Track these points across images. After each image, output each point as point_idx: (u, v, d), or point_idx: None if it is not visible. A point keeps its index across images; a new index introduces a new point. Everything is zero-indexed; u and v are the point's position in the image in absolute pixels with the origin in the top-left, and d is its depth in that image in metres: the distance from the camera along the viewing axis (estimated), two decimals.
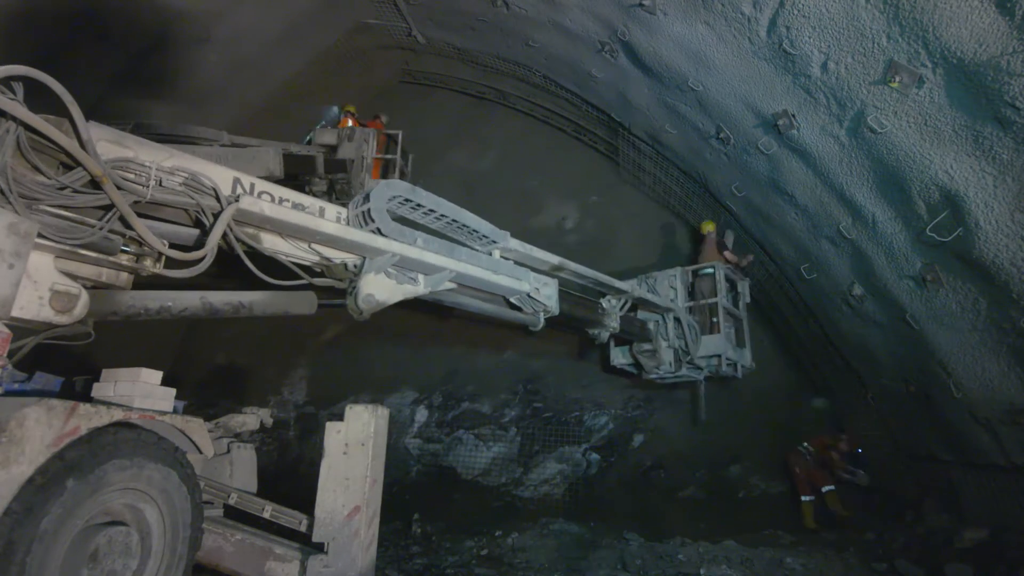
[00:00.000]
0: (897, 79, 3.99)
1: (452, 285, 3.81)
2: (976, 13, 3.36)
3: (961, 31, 3.48)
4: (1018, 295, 4.15)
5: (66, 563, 2.44)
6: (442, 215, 3.53)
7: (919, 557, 5.41)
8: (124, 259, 2.73)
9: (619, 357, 6.91)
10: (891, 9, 3.80)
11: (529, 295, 4.16)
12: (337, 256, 3.24)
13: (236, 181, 2.88)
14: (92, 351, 3.34)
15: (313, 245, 3.13)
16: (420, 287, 3.51)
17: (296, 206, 3.07)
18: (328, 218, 3.17)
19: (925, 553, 5.46)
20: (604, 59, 7.21)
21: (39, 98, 2.30)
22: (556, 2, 6.92)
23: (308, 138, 7.19)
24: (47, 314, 2.45)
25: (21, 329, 2.52)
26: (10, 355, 2.52)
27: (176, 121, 4.50)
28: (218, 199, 2.71)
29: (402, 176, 8.36)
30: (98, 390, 3.25)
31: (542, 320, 4.40)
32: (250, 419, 4.66)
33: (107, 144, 2.54)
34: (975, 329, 4.73)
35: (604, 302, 5.57)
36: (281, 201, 3.02)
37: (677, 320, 6.22)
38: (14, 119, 2.18)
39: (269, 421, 4.83)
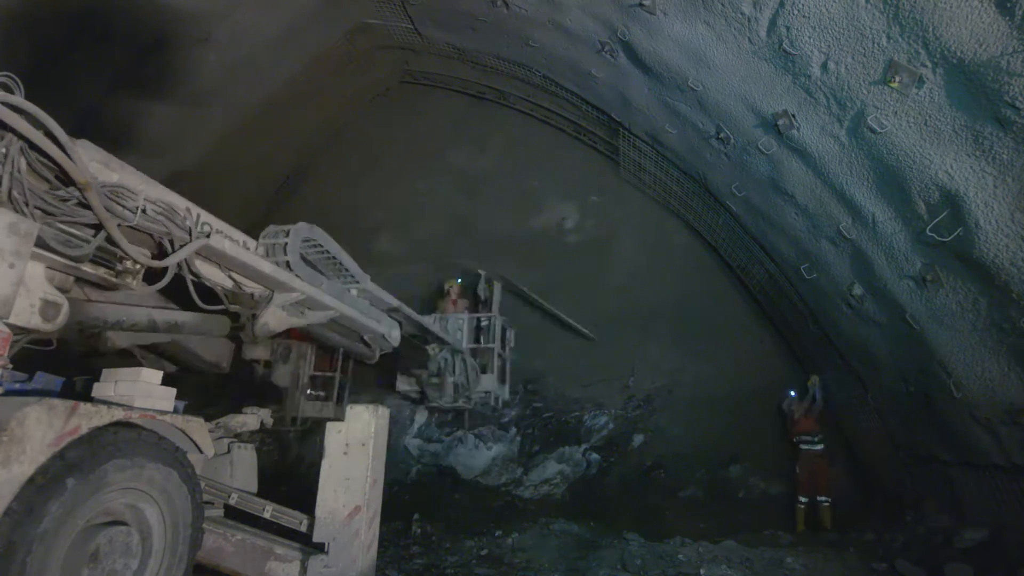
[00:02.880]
0: (897, 79, 3.99)
1: (325, 320, 4.15)
2: (976, 13, 3.36)
3: (961, 31, 3.48)
4: (1018, 295, 4.15)
5: (67, 563, 2.44)
6: (329, 253, 3.96)
7: (919, 557, 5.42)
8: (105, 272, 2.81)
9: (404, 384, 7.81)
10: (891, 9, 3.80)
11: (384, 336, 4.82)
12: (250, 287, 3.55)
13: (187, 209, 3.06)
14: (92, 351, 3.36)
15: (232, 274, 3.41)
16: (304, 320, 3.86)
17: (236, 241, 3.35)
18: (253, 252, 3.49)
19: (925, 553, 5.47)
20: (604, 59, 7.21)
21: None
22: (556, 2, 6.92)
23: None
24: (36, 321, 2.51)
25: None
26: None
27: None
28: (189, 233, 2.95)
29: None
30: (98, 390, 3.25)
31: (378, 355, 5.04)
32: (250, 419, 4.66)
33: (97, 165, 2.64)
34: (975, 329, 4.73)
35: (429, 349, 6.73)
36: (219, 232, 3.27)
37: (464, 360, 7.33)
38: (15, 133, 2.22)
39: (269, 421, 4.83)
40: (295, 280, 3.57)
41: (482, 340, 8.22)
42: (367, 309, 4.50)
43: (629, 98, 7.65)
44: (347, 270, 4.18)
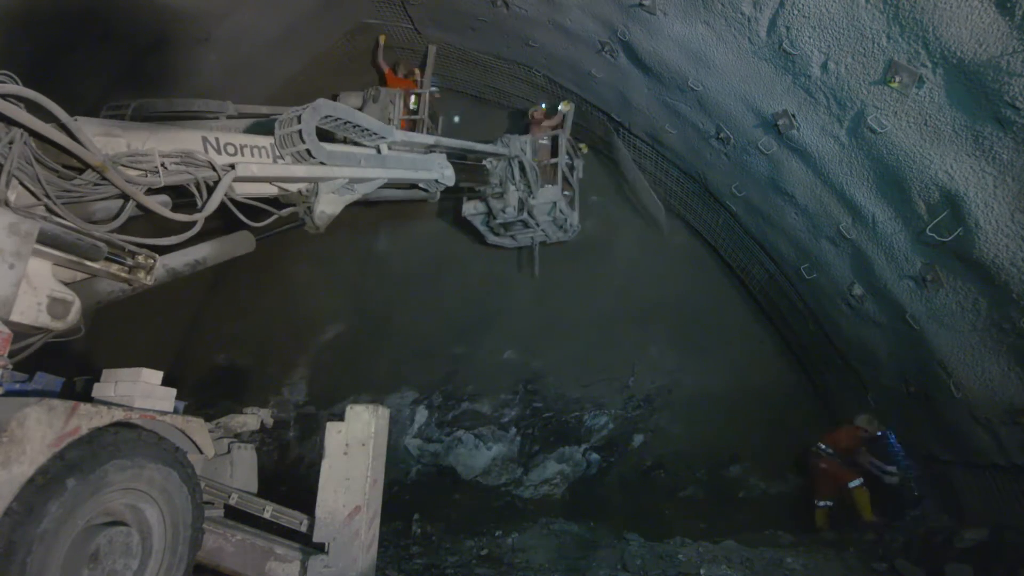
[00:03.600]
0: (897, 79, 3.99)
1: (377, 187, 4.34)
2: (976, 13, 3.36)
3: (961, 31, 3.48)
4: (1018, 295, 4.15)
5: (67, 563, 2.44)
6: (347, 121, 3.93)
7: (919, 557, 5.42)
8: (116, 269, 2.80)
9: (469, 208, 7.78)
10: (891, 9, 3.80)
11: (437, 180, 4.95)
12: (295, 186, 3.66)
13: (204, 140, 3.08)
14: (92, 351, 3.36)
15: (275, 183, 3.51)
16: (356, 194, 4.06)
17: (257, 150, 3.39)
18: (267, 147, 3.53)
19: (925, 553, 5.46)
20: (604, 59, 7.22)
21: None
22: (556, 2, 6.92)
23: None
24: (44, 320, 2.51)
25: (19, 334, 2.55)
26: (10, 355, 2.53)
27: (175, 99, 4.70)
28: (214, 169, 2.97)
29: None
30: (99, 390, 3.24)
31: (438, 194, 5.24)
32: (251, 419, 4.67)
33: (101, 138, 2.64)
34: (975, 329, 4.73)
35: (487, 163, 6.78)
36: (242, 149, 3.30)
37: (522, 167, 7.11)
38: (20, 125, 2.21)
39: (270, 421, 4.84)
40: (334, 170, 3.66)
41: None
42: (411, 162, 4.59)
43: (629, 98, 7.65)
44: (368, 129, 4.17)
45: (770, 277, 7.88)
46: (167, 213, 2.83)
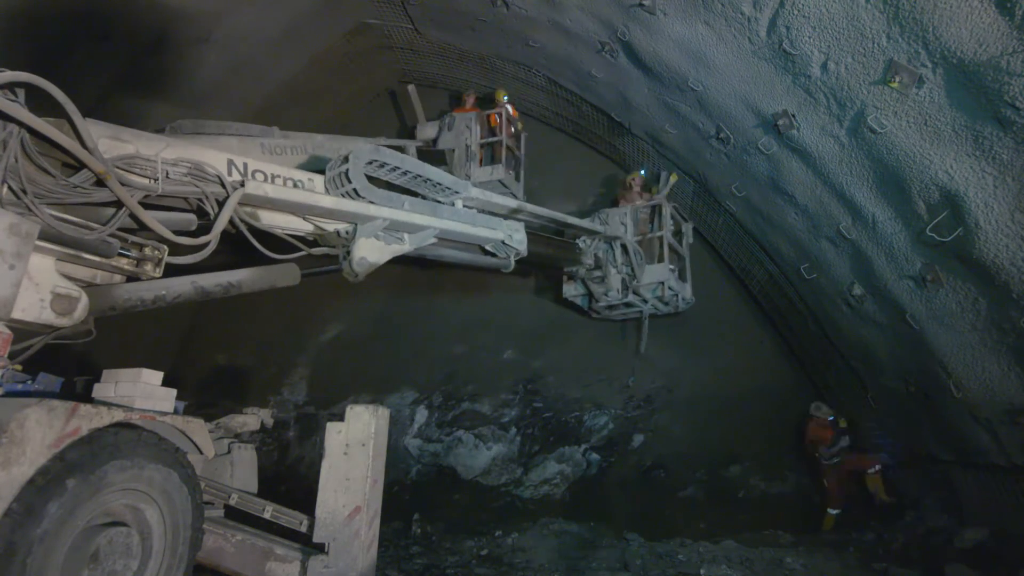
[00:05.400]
0: (897, 79, 3.99)
1: (434, 240, 3.99)
2: (976, 13, 3.36)
3: (961, 31, 3.48)
4: (1018, 295, 4.15)
5: (67, 564, 2.44)
6: (407, 171, 3.67)
7: (919, 557, 5.42)
8: (124, 263, 2.75)
9: (569, 289, 7.36)
10: (891, 9, 3.79)
11: (503, 242, 4.42)
12: (331, 225, 3.43)
13: (230, 163, 2.95)
14: (92, 351, 3.35)
15: (308, 217, 3.30)
16: (406, 245, 3.70)
17: (290, 182, 3.19)
18: (320, 190, 3.33)
19: (925, 553, 5.46)
20: (604, 59, 7.21)
21: (33, 101, 2.30)
22: (556, 2, 6.91)
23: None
24: (48, 316, 2.46)
25: (24, 331, 2.53)
26: (11, 356, 2.52)
27: (185, 117, 4.54)
28: (223, 185, 2.78)
29: (516, 162, 8.20)
30: (99, 391, 3.25)
31: (513, 262, 4.68)
32: (251, 419, 4.67)
33: (107, 141, 2.55)
34: (975, 329, 4.73)
35: (580, 243, 6.19)
36: (274, 179, 3.12)
37: (624, 249, 6.74)
38: (18, 122, 2.18)
39: (270, 421, 4.84)
40: (368, 207, 3.34)
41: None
42: (474, 218, 4.17)
43: (629, 98, 7.64)
44: (439, 183, 3.84)
45: (770, 277, 7.88)
46: (165, 232, 2.57)
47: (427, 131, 7.57)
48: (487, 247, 4.48)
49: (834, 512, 7.03)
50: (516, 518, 7.54)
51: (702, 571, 5.15)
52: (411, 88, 8.39)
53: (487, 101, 8.71)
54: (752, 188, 6.77)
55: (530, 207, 4.74)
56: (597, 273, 6.65)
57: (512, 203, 4.54)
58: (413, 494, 8.43)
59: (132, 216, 2.52)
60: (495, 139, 8.02)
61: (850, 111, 4.62)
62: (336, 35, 9.80)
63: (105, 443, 2.61)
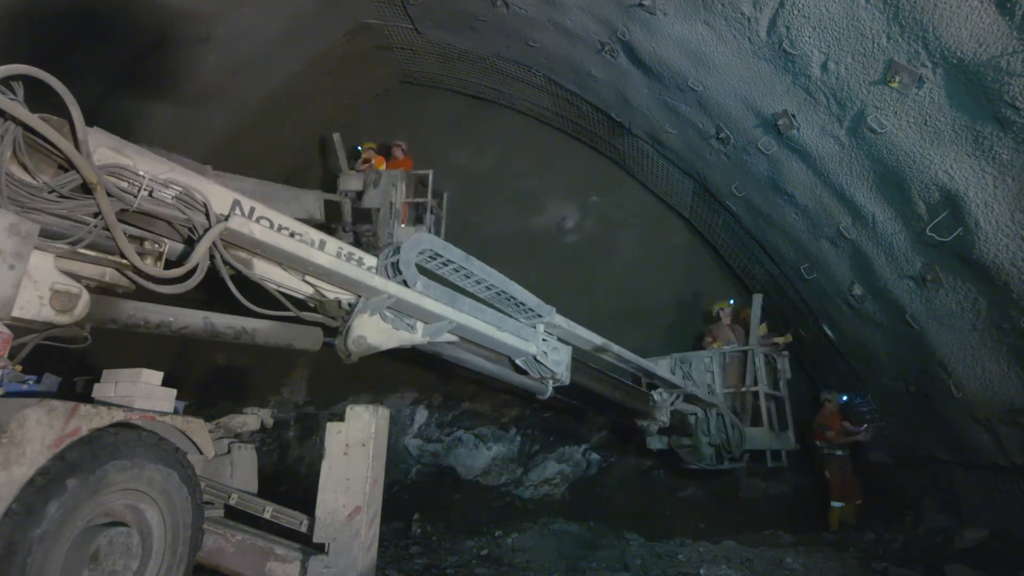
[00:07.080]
0: (897, 79, 3.99)
1: (453, 338, 3.56)
2: (976, 13, 3.36)
3: (961, 31, 3.48)
4: (1018, 295, 4.15)
5: (67, 564, 2.43)
6: (480, 280, 3.31)
7: (919, 557, 5.41)
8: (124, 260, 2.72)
9: (656, 443, 6.56)
10: (891, 9, 3.80)
11: (535, 358, 3.76)
12: (332, 292, 3.13)
13: (236, 203, 2.78)
14: (93, 352, 3.34)
15: (308, 278, 3.01)
16: (417, 335, 3.30)
17: (293, 234, 2.93)
18: (328, 252, 3.03)
19: (925, 553, 5.46)
20: (604, 59, 7.21)
21: (37, 98, 2.29)
22: (556, 2, 6.91)
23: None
24: (47, 314, 2.44)
25: (22, 329, 2.52)
26: (10, 355, 2.51)
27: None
28: (207, 216, 2.58)
29: (436, 220, 8.21)
30: (99, 391, 3.24)
31: (550, 389, 4.04)
32: (251, 419, 4.66)
33: (107, 151, 2.50)
34: (975, 329, 4.73)
35: (656, 395, 5.31)
36: (280, 228, 2.88)
37: (720, 415, 5.94)
38: (13, 119, 2.17)
39: (270, 421, 4.82)
40: (372, 277, 2.98)
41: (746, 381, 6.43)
42: (496, 317, 3.57)
43: (629, 98, 7.65)
44: (522, 304, 3.37)
45: (770, 277, 7.88)
46: (136, 259, 2.39)
47: (351, 182, 7.33)
48: (517, 361, 3.85)
49: (838, 505, 6.98)
50: (516, 518, 7.54)
51: (702, 571, 5.15)
52: (336, 136, 8.33)
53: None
54: (752, 188, 6.77)
55: (615, 348, 4.19)
56: (686, 441, 5.88)
57: (597, 340, 4.04)
58: (413, 494, 8.43)
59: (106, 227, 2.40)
60: (421, 200, 8.05)
61: (850, 111, 4.62)
62: (336, 35, 9.80)
63: (105, 443, 2.61)
